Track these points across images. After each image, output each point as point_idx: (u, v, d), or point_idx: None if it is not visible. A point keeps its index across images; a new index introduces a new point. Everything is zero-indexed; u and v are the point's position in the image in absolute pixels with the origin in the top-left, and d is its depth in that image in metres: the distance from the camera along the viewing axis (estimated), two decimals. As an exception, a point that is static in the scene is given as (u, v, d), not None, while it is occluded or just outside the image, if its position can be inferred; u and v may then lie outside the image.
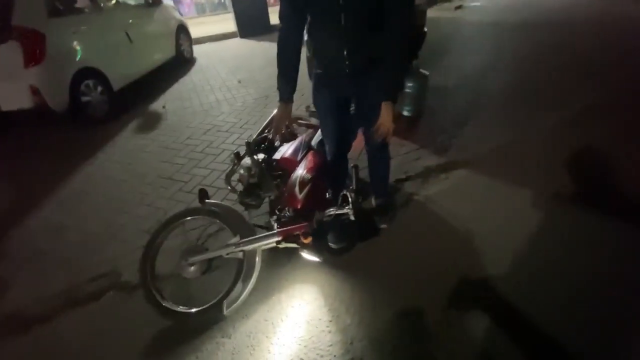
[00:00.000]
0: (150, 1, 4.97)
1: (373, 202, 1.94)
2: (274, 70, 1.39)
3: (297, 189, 1.50)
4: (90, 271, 1.84)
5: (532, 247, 1.62)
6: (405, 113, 3.01)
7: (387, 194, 1.95)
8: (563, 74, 3.58)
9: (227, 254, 1.47)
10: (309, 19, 1.28)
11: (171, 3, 5.99)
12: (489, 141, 2.52)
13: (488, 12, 7.46)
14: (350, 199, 1.24)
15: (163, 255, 1.59)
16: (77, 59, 3.45)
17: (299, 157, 1.72)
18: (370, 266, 1.63)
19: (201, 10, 10.54)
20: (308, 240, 1.35)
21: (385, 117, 1.32)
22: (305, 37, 1.38)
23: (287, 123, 1.53)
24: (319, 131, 1.78)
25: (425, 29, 3.60)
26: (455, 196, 2.02)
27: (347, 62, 1.26)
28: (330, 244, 1.41)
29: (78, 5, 3.85)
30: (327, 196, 1.70)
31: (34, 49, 3.01)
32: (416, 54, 3.47)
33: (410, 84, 2.81)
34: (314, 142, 1.83)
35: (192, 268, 1.54)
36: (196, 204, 1.84)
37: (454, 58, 4.52)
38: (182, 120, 3.60)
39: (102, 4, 4.04)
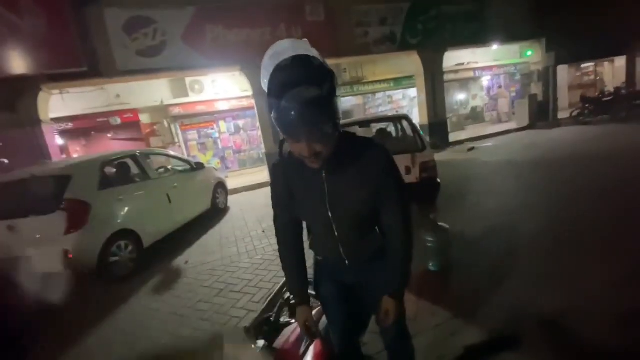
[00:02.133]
0: (195, 166, 5.73)
1: (402, 409, 1.47)
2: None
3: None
4: None
5: None
6: (432, 267, 2.73)
7: (418, 397, 1.49)
8: (596, 215, 3.32)
9: None
10: None
11: (213, 166, 6.93)
12: (537, 307, 2.08)
13: (500, 152, 7.88)
14: None
15: None
16: (115, 222, 3.70)
17: (301, 350, 1.44)
18: None
19: (243, 165, 12.20)
20: None
21: (389, 310, 1.15)
22: None
23: (311, 324, 1.26)
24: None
25: (439, 180, 3.71)
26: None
27: (344, 259, 1.17)
28: None
29: (131, 174, 4.44)
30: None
31: (77, 218, 3.26)
32: (433, 206, 3.46)
33: (430, 239, 2.64)
34: (321, 327, 1.56)
35: None
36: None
37: (475, 201, 4.44)
38: (199, 278, 3.51)
39: (150, 174, 4.57)
